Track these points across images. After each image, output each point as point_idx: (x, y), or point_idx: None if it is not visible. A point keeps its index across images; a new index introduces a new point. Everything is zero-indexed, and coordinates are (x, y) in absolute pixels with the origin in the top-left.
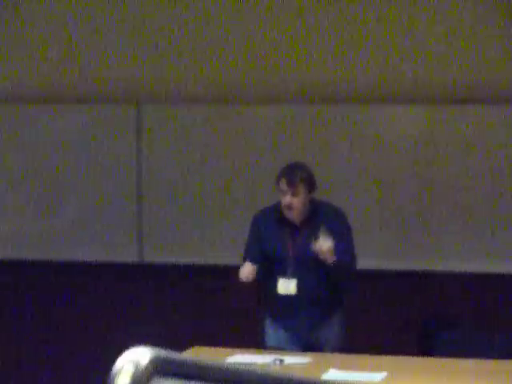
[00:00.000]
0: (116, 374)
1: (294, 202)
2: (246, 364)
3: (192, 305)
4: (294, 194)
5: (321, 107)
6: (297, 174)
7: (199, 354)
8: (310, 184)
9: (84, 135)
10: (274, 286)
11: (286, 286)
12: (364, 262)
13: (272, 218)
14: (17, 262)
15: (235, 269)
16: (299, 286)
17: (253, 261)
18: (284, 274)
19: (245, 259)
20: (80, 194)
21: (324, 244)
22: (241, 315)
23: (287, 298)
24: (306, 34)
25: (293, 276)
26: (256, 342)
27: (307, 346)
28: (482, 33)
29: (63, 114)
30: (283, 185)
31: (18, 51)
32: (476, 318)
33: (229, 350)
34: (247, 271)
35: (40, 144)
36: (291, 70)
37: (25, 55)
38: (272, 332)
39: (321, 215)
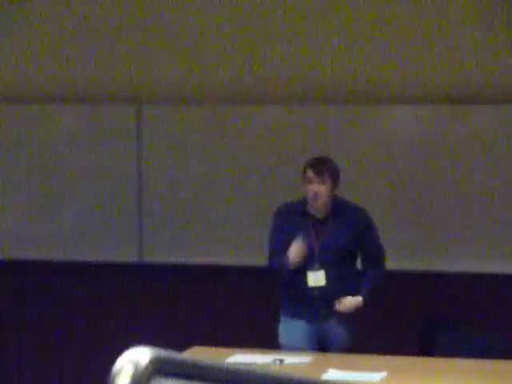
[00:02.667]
0: (116, 374)
1: (321, 190)
2: (245, 364)
3: (192, 305)
4: (320, 183)
5: (321, 107)
6: (324, 165)
7: (199, 354)
8: (336, 176)
9: (84, 135)
10: (298, 280)
11: (316, 278)
12: None
13: (296, 212)
14: (17, 261)
15: (235, 269)
16: (327, 278)
17: (284, 251)
18: (311, 267)
19: (273, 252)
20: (80, 194)
21: (349, 305)
22: (241, 315)
23: (309, 293)
24: (306, 34)
25: (320, 268)
26: (256, 342)
27: (319, 342)
28: (482, 33)
29: (63, 114)
30: (310, 173)
31: (18, 51)
32: (476, 318)
33: (229, 350)
34: (297, 250)
35: (40, 144)
36: (292, 69)
37: (25, 55)
38: (287, 332)
39: (344, 211)
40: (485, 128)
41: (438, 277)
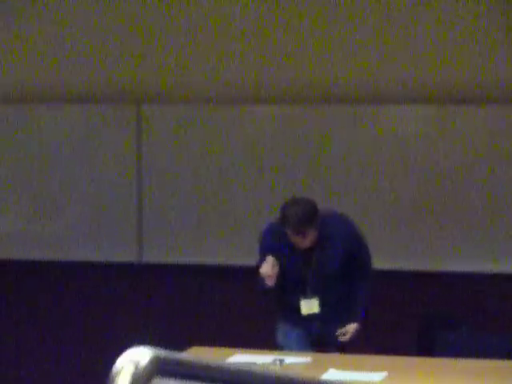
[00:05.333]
0: (116, 374)
1: (305, 243)
2: (245, 364)
3: (192, 305)
4: (303, 238)
5: (321, 107)
6: (303, 222)
7: (199, 354)
8: (315, 220)
9: (84, 135)
10: (292, 306)
11: (309, 306)
12: None
13: (282, 239)
14: (17, 262)
15: (235, 269)
16: (321, 303)
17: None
18: (304, 294)
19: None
20: (80, 194)
21: (350, 334)
22: (241, 315)
23: (302, 317)
24: (306, 34)
25: (313, 294)
26: (256, 342)
27: (317, 343)
28: (482, 33)
29: (63, 114)
30: (291, 233)
31: (18, 51)
32: (476, 318)
33: (229, 350)
34: (269, 266)
35: (40, 144)
36: (291, 69)
37: (25, 55)
38: (283, 331)
39: (329, 230)
40: (484, 128)
41: (438, 277)
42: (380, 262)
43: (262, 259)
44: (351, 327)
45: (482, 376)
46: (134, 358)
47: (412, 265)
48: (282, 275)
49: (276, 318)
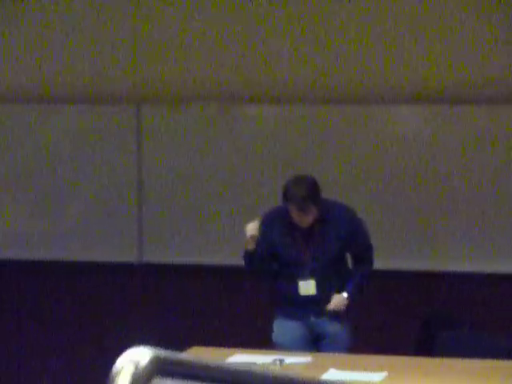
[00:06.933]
0: (116, 374)
1: (306, 219)
2: (245, 364)
3: (192, 305)
4: (304, 215)
5: (321, 107)
6: (305, 198)
7: (199, 354)
8: (319, 199)
9: (84, 135)
10: (289, 288)
11: (306, 287)
12: None
13: (282, 220)
14: (17, 261)
15: (235, 269)
16: (318, 286)
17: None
18: (302, 276)
19: None
20: (80, 194)
21: (336, 303)
22: (240, 315)
23: (301, 299)
24: (306, 34)
25: (311, 277)
26: (256, 342)
27: (312, 343)
28: (482, 33)
29: (63, 114)
30: (293, 209)
31: (17, 51)
32: (476, 317)
33: (229, 350)
34: (255, 225)
35: (40, 144)
36: (291, 69)
37: (25, 55)
38: (280, 330)
39: (331, 214)
40: (484, 128)
41: (438, 277)
42: (380, 262)
43: (259, 238)
44: (338, 296)
45: (482, 376)
46: (134, 358)
47: (412, 265)
48: (280, 256)
49: (273, 313)
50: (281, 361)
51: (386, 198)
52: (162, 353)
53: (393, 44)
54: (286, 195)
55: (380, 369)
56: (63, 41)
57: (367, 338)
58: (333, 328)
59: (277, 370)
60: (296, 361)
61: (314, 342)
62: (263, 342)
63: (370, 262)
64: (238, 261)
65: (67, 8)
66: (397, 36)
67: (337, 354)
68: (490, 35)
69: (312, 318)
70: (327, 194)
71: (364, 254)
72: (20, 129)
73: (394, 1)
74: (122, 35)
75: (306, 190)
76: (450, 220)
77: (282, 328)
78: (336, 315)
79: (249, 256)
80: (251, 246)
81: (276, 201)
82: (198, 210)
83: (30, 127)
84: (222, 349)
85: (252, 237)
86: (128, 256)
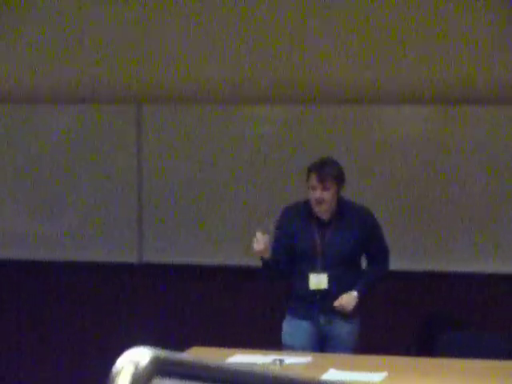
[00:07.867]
0: (116, 374)
1: (324, 197)
2: (245, 364)
3: (192, 305)
4: (324, 189)
5: (322, 107)
6: (327, 170)
7: (199, 354)
8: (341, 180)
9: (84, 135)
10: (301, 283)
11: (318, 281)
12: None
13: (300, 213)
14: (17, 262)
15: (235, 269)
16: (328, 282)
17: (273, 251)
18: (314, 270)
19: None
20: (80, 194)
21: (345, 302)
22: (241, 315)
23: (311, 296)
24: (306, 34)
25: (323, 271)
26: (256, 342)
27: (321, 344)
28: (482, 33)
29: (63, 114)
30: (313, 180)
31: (17, 51)
32: (476, 317)
33: (229, 350)
34: (260, 243)
35: (40, 144)
36: (291, 69)
37: (25, 55)
38: (289, 330)
39: (349, 212)
40: (485, 128)
41: (439, 277)
42: None
43: (275, 241)
44: (347, 295)
45: (482, 376)
46: (134, 358)
47: (412, 265)
48: (295, 247)
49: (284, 313)
50: (281, 361)
51: (387, 198)
52: (162, 353)
53: (393, 44)
54: (310, 166)
55: (380, 369)
56: (63, 41)
57: (367, 338)
58: (342, 331)
59: (277, 370)
60: (296, 361)
61: (319, 342)
62: (263, 341)
63: (384, 265)
64: (238, 261)
65: (67, 8)
66: (397, 36)
67: (337, 354)
68: (491, 35)
69: (321, 320)
70: None
71: (379, 256)
72: (20, 129)
73: (394, 1)
74: (122, 35)
75: (328, 162)
76: (451, 220)
77: (291, 328)
78: (345, 315)
79: (265, 263)
80: (266, 255)
81: (276, 201)
82: (198, 210)
83: (29, 127)
84: (222, 349)
85: (261, 252)
86: (128, 256)
